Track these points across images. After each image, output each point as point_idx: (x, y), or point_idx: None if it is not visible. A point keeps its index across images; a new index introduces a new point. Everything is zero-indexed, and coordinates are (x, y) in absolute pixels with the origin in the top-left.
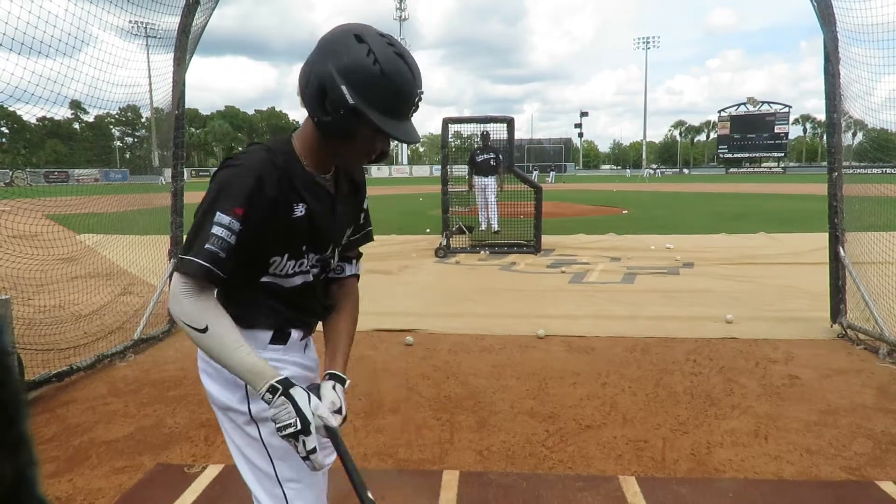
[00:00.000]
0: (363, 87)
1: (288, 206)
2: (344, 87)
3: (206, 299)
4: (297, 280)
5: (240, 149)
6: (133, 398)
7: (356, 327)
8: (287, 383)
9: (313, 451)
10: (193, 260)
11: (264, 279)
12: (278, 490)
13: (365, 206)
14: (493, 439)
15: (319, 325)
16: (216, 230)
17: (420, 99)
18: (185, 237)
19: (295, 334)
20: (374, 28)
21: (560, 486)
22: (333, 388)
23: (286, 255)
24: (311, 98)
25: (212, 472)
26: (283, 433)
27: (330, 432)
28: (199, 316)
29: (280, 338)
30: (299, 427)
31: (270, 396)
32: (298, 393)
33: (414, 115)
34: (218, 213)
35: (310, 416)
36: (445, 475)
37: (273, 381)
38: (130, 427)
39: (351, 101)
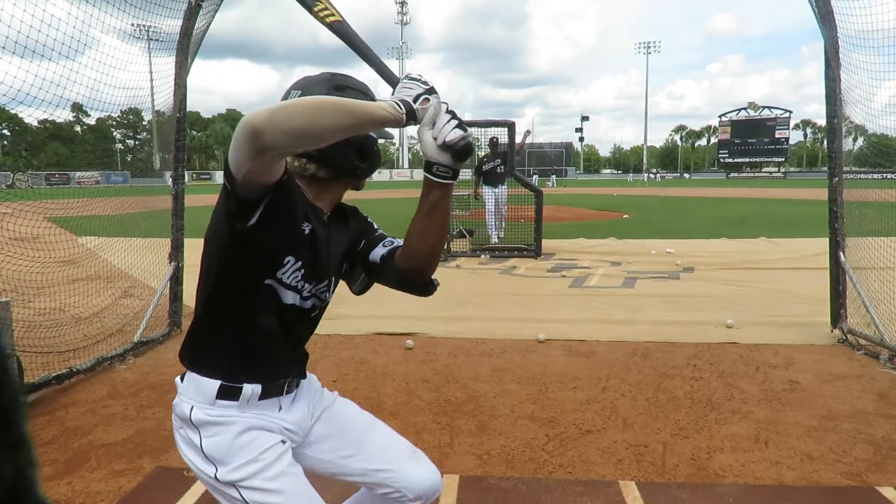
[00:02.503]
0: None
1: (299, 217)
2: None
3: None
4: (290, 297)
5: None
6: (133, 401)
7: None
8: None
9: (452, 113)
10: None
11: (269, 281)
12: None
13: (371, 223)
14: (493, 443)
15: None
16: None
17: None
18: (185, 239)
19: (248, 389)
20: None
21: (560, 490)
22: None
23: (299, 263)
24: None
25: None
26: (415, 93)
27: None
28: (286, 104)
29: (228, 392)
30: (429, 85)
31: (399, 106)
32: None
33: None
34: None
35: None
36: (445, 479)
37: (391, 100)
38: (130, 430)
39: None
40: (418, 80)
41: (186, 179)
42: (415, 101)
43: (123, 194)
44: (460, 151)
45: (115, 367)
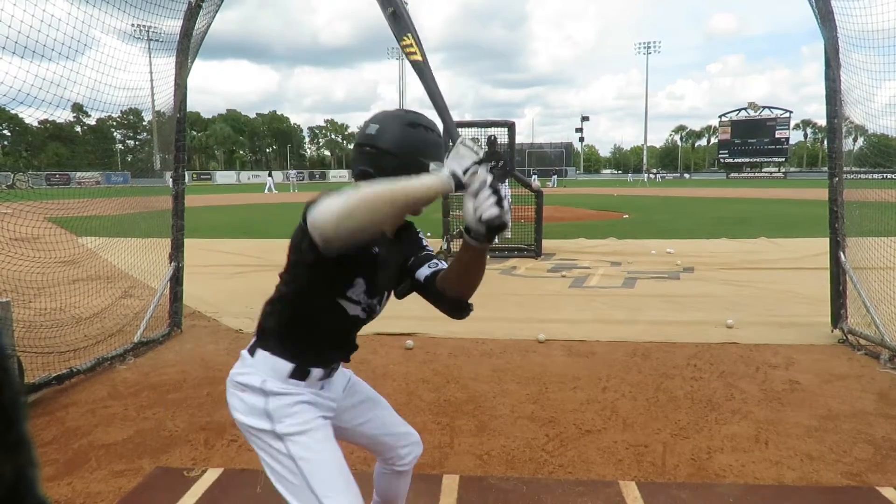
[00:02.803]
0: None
1: (371, 242)
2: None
3: None
4: (353, 310)
5: (241, 152)
6: (133, 401)
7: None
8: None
9: (494, 188)
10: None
11: (339, 300)
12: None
13: (421, 240)
14: (494, 444)
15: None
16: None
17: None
18: (185, 240)
19: (315, 372)
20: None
21: (560, 490)
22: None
23: (368, 285)
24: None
25: (211, 475)
26: (468, 163)
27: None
28: (342, 197)
29: (300, 373)
30: (481, 154)
31: (451, 180)
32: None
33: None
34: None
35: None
36: (445, 479)
37: (445, 171)
38: (130, 430)
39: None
40: (471, 149)
41: (186, 180)
42: (465, 171)
43: (124, 195)
44: (494, 229)
45: (115, 368)
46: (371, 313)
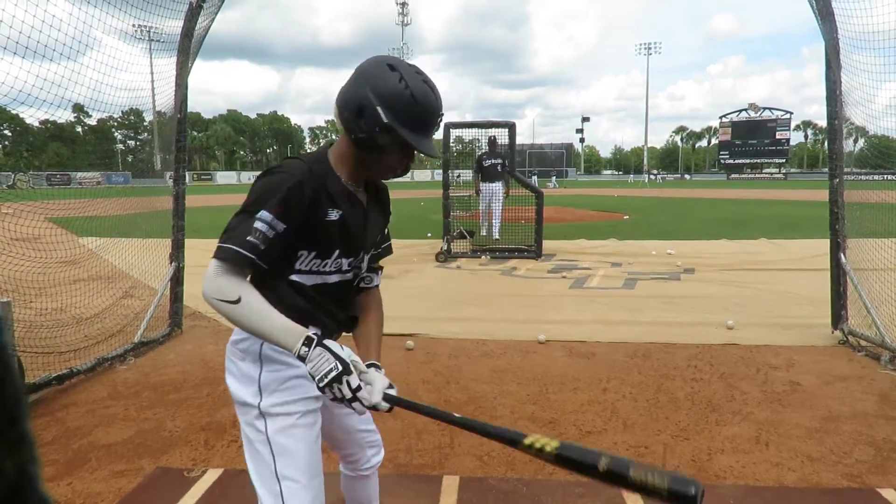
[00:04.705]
0: (396, 109)
1: (322, 210)
2: (379, 109)
3: (239, 277)
4: (335, 278)
5: (241, 153)
6: (133, 401)
7: (383, 328)
8: (321, 337)
9: (358, 388)
10: (235, 248)
11: (294, 277)
12: (276, 486)
13: (387, 233)
14: (494, 444)
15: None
16: (258, 225)
17: (441, 119)
18: (185, 240)
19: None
20: (402, 59)
21: (560, 491)
22: (378, 370)
23: (314, 253)
24: (350, 117)
25: (211, 476)
26: (326, 380)
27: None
28: (233, 289)
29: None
30: (340, 368)
31: (306, 350)
32: (332, 343)
33: (435, 132)
34: (262, 210)
35: (347, 359)
36: (445, 480)
37: (308, 334)
38: (130, 430)
39: (385, 120)
40: (338, 377)
41: (187, 180)
42: (324, 376)
43: (124, 195)
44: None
45: (115, 368)
46: (356, 273)
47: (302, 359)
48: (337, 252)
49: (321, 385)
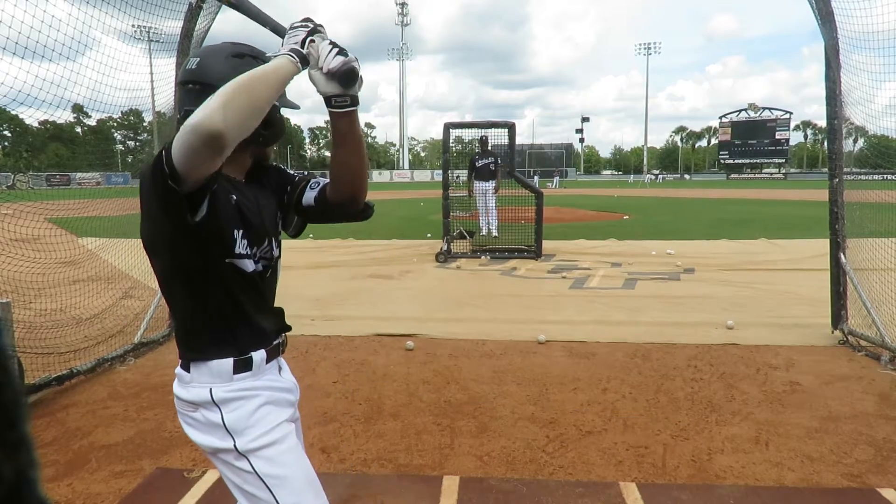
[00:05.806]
0: None
1: (225, 191)
2: None
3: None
4: (250, 265)
5: None
6: (133, 402)
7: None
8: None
9: (333, 43)
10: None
11: (228, 260)
12: None
13: (290, 174)
14: (494, 445)
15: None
16: None
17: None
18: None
19: (257, 357)
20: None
21: (560, 492)
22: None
23: (241, 232)
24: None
25: (211, 476)
26: (300, 37)
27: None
28: (215, 97)
29: (243, 365)
30: (309, 26)
31: (296, 56)
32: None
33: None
34: None
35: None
36: (446, 481)
37: (291, 47)
38: (130, 431)
39: None
40: (300, 26)
41: None
42: (302, 45)
43: (124, 195)
44: (344, 76)
45: (115, 369)
46: (265, 265)
47: (305, 61)
48: (241, 233)
49: (304, 49)
